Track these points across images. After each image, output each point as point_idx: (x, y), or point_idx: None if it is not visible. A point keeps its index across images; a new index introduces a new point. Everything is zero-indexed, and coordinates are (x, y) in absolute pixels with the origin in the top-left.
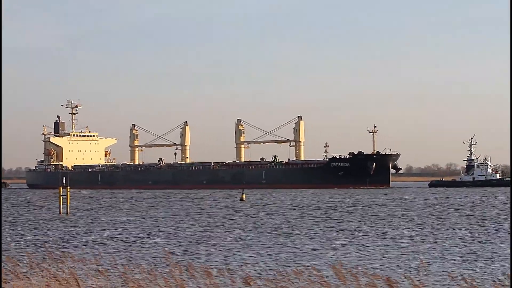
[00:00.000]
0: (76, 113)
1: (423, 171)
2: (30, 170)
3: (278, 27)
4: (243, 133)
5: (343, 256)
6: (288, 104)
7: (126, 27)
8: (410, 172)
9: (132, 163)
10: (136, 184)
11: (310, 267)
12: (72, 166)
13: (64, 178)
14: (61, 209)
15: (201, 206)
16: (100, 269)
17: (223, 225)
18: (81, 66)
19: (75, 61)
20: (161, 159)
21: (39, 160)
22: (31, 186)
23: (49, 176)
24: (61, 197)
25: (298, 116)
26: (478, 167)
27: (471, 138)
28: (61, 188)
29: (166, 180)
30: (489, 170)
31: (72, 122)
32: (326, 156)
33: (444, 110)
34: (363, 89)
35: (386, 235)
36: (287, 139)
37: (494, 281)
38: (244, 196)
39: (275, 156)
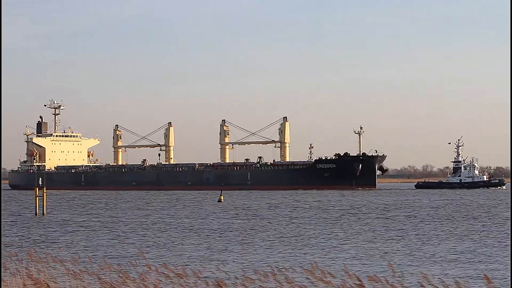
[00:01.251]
0: (59, 114)
1: (399, 172)
2: (12, 170)
3: (263, 26)
4: (228, 134)
5: (312, 257)
6: (273, 105)
7: (109, 26)
8: (386, 174)
9: (115, 164)
10: (120, 185)
11: (283, 269)
12: (55, 167)
13: (40, 179)
14: (37, 210)
15: (178, 207)
16: (77, 270)
17: (198, 225)
18: (64, 66)
19: (58, 61)
20: (145, 160)
21: (21, 160)
22: (13, 187)
23: (32, 177)
24: (37, 198)
25: (284, 117)
26: (465, 169)
27: (459, 140)
28: (37, 189)
29: (150, 181)
30: (476, 172)
31: (55, 123)
32: (310, 157)
33: (423, 112)
34: (349, 89)
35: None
36: (272, 140)
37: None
38: (222, 197)
39: (260, 157)
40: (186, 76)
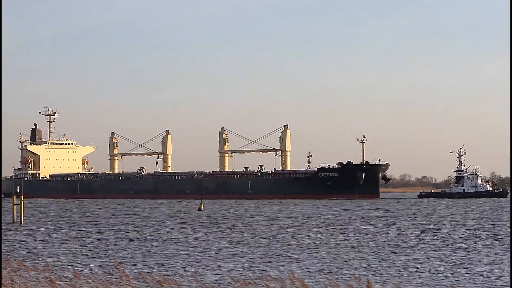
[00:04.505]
0: (53, 121)
1: None
2: (6, 178)
3: (264, 32)
4: (227, 142)
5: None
6: (273, 112)
7: (102, 32)
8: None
9: (111, 172)
10: (117, 193)
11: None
12: (49, 175)
13: (18, 187)
14: (15, 218)
15: (157, 216)
16: (51, 278)
17: (174, 235)
18: (57, 73)
19: (51, 66)
20: (142, 168)
21: (15, 168)
22: (7, 195)
23: (26, 185)
24: (14, 206)
25: (284, 125)
26: (468, 178)
27: (460, 149)
28: (14, 197)
29: (148, 189)
30: (479, 181)
31: (50, 130)
32: (309, 166)
33: (414, 120)
34: (351, 97)
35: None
36: (273, 148)
37: None
38: (202, 206)
39: (261, 166)
40: (184, 83)
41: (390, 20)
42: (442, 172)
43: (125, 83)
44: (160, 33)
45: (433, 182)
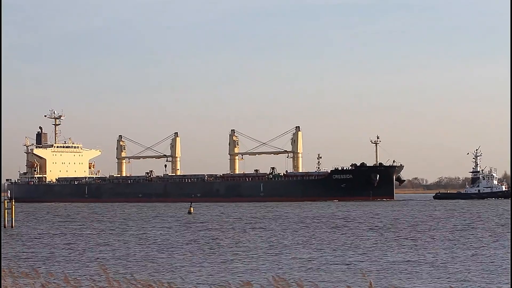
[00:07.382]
0: (59, 124)
1: None
2: (11, 182)
3: (274, 34)
4: (237, 144)
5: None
6: (283, 114)
7: (110, 34)
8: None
9: (119, 175)
10: (125, 197)
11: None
12: (56, 179)
13: (9, 191)
14: (6, 222)
15: (146, 219)
16: (41, 283)
17: (160, 239)
18: (63, 75)
19: (56, 69)
20: (150, 171)
21: (21, 172)
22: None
23: (32, 189)
24: (6, 210)
25: (296, 127)
26: (484, 179)
27: (476, 150)
28: (5, 201)
29: (157, 193)
30: (495, 182)
31: (55, 133)
32: (319, 168)
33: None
34: (363, 98)
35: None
36: (285, 150)
37: None
38: (192, 209)
39: (273, 168)
40: (192, 85)
41: (398, 20)
42: (433, 174)
43: (131, 85)
44: (168, 34)
45: (424, 183)
